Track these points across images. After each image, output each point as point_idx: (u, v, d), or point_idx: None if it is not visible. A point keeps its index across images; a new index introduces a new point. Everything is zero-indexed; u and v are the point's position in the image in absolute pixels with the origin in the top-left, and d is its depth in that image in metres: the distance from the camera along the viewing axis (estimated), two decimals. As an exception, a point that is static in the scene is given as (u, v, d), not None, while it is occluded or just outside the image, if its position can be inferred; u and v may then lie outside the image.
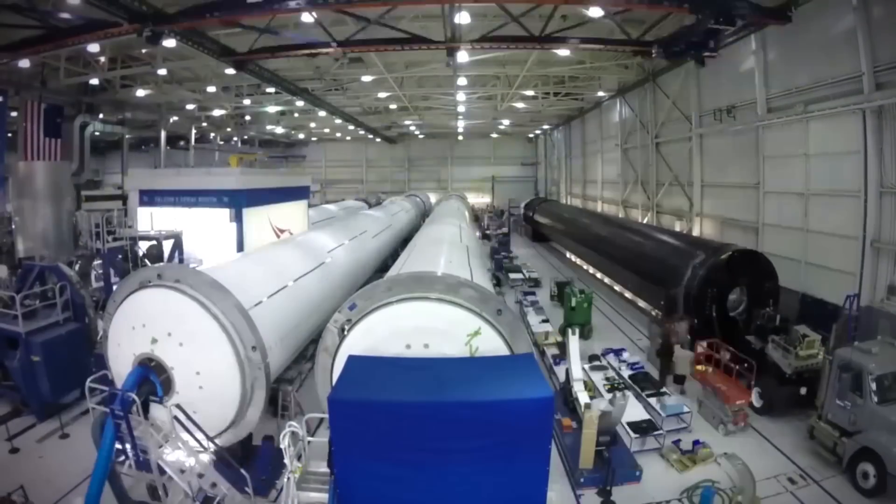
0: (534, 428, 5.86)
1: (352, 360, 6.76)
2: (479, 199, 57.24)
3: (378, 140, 53.85)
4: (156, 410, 7.86)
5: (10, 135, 25.07)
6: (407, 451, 5.76)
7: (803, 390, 11.61)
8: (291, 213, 21.46)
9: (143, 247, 15.71)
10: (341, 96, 31.32)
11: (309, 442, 6.83)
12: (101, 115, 28.02)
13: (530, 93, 32.47)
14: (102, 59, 22.54)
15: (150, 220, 16.54)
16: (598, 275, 27.14)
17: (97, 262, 17.00)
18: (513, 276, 26.42)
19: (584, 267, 29.87)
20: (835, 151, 15.25)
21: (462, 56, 19.13)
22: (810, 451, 10.49)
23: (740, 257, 15.00)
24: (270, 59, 21.06)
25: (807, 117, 15.90)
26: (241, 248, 16.94)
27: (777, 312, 13.69)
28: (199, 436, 7.83)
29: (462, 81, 27.86)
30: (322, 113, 34.76)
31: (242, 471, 7.69)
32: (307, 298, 11.75)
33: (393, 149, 58.69)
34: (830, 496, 9.27)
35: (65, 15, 15.59)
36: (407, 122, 43.87)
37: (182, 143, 40.39)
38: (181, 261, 15.49)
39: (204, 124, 39.74)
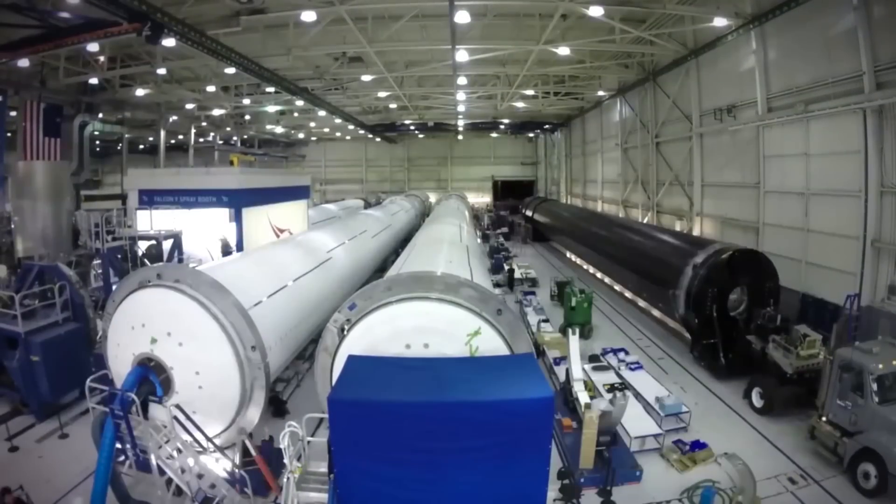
0: (534, 428, 5.84)
1: (351, 359, 6.74)
2: (480, 199, 57.22)
3: (378, 139, 53.81)
4: (155, 410, 7.85)
5: (9, 134, 25.01)
6: (407, 451, 5.75)
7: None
8: (291, 213, 21.48)
9: (142, 246, 15.70)
10: (341, 95, 31.30)
11: (308, 442, 6.81)
12: (100, 115, 27.97)
13: (530, 92, 32.44)
14: (102, 58, 22.52)
15: (150, 219, 16.53)
16: (598, 274, 27.14)
17: (96, 261, 16.99)
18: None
19: (585, 266, 29.90)
20: (835, 151, 15.23)
21: (462, 55, 19.14)
22: (811, 452, 10.46)
23: (741, 257, 14.99)
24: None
25: (807, 117, 15.87)
26: (240, 247, 16.94)
27: (778, 312, 13.67)
28: (199, 436, 7.83)
29: (462, 81, 27.83)
30: (322, 112, 34.74)
31: (242, 471, 7.68)
32: (307, 298, 11.74)
33: (393, 148, 58.68)
34: (831, 496, 9.25)
35: (64, 14, 15.57)
36: (407, 122, 43.86)
37: (182, 143, 40.41)
38: (180, 260, 15.47)
39: (203, 124, 39.73)
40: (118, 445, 7.39)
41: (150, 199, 17.55)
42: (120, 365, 8.30)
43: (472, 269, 10.11)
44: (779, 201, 17.79)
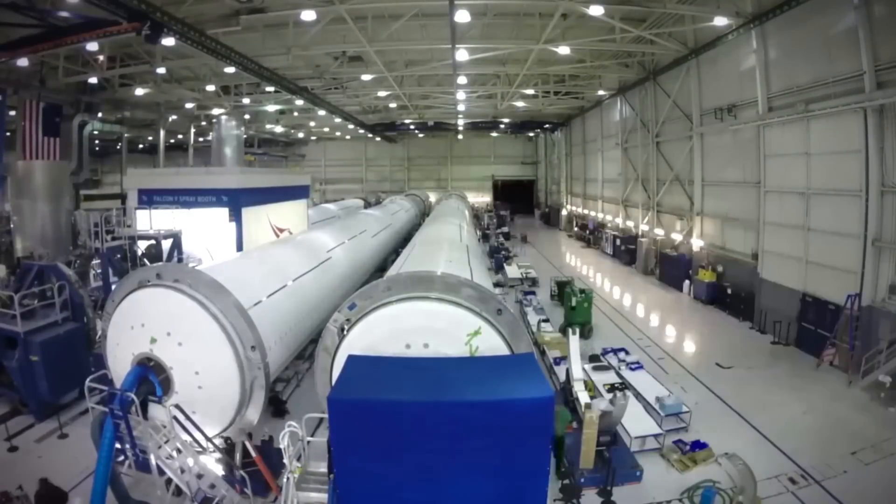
0: (534, 428, 5.83)
1: (351, 359, 6.72)
2: (480, 199, 57.20)
3: (378, 139, 53.80)
4: (155, 410, 7.83)
5: (8, 134, 24.96)
6: (407, 451, 5.72)
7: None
8: (291, 213, 21.43)
9: (141, 246, 15.67)
10: (341, 95, 31.27)
11: (308, 442, 6.79)
12: (100, 114, 27.92)
13: (530, 91, 32.42)
14: (101, 57, 22.52)
15: (149, 219, 16.49)
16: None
17: (96, 261, 16.95)
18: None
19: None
20: (836, 150, 15.22)
21: (462, 55, 19.11)
22: (811, 452, 10.43)
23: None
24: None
25: (808, 116, 15.86)
26: (240, 247, 16.90)
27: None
28: (199, 436, 7.81)
29: (462, 80, 27.81)
30: (321, 112, 34.72)
31: (242, 472, 7.67)
32: (306, 298, 11.71)
33: (392, 148, 58.68)
34: (831, 496, 9.23)
35: (63, 13, 15.55)
36: (407, 121, 43.83)
37: (182, 142, 40.38)
38: (180, 260, 15.44)
39: (203, 123, 39.69)
40: (118, 445, 7.37)
41: (150, 198, 17.48)
42: (119, 365, 8.27)
43: (472, 269, 10.08)
44: (779, 200, 17.78)
